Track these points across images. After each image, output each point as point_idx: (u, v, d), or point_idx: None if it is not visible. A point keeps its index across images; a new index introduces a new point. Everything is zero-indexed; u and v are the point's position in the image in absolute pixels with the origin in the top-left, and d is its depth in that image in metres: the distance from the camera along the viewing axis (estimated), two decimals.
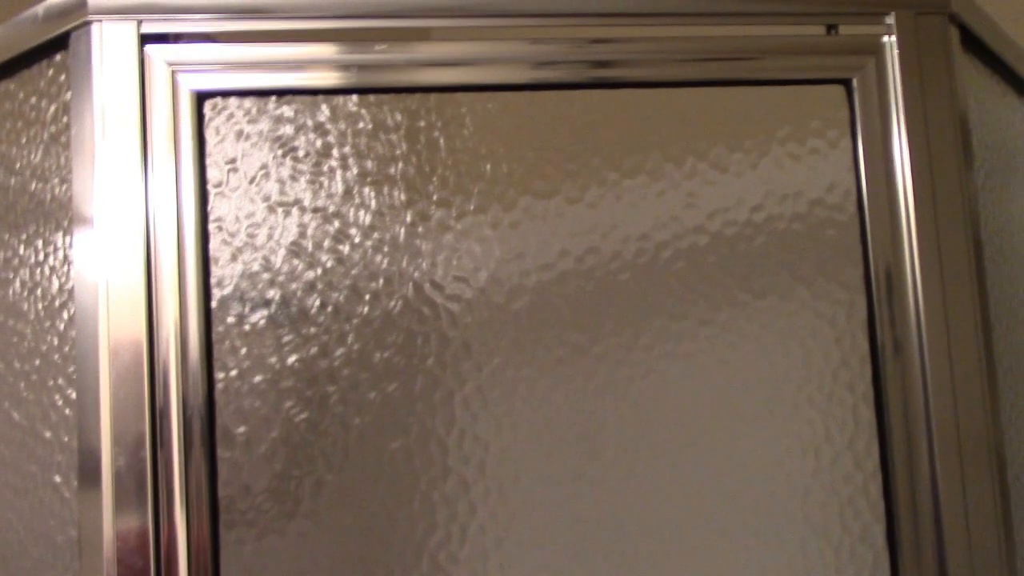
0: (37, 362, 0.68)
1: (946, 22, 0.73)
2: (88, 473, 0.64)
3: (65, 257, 0.68)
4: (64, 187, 0.68)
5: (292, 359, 0.66)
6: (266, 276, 0.66)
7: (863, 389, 0.69)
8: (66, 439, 0.66)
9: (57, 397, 0.67)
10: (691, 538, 0.67)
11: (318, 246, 0.67)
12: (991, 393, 0.70)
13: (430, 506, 0.65)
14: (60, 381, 0.67)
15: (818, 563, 0.67)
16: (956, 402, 0.69)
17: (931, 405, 0.68)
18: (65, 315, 0.68)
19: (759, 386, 0.68)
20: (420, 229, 0.67)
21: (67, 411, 0.67)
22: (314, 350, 0.66)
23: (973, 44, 0.78)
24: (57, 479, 0.67)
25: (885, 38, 0.72)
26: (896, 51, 0.72)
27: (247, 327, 0.66)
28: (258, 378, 0.66)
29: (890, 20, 0.72)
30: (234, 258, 0.66)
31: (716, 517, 0.67)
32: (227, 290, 0.66)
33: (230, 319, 0.66)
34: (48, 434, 0.67)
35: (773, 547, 0.67)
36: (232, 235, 0.66)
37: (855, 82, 0.71)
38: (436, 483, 0.65)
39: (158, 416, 0.64)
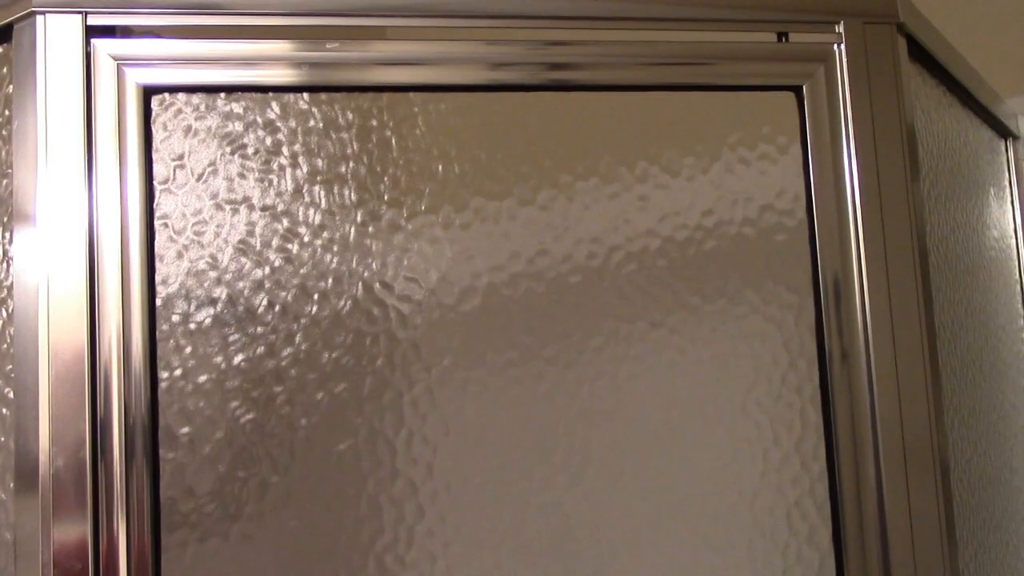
0: None
1: (894, 32, 0.75)
2: (25, 475, 0.63)
3: (4, 253, 0.66)
4: (4, 182, 0.67)
5: (238, 359, 0.65)
6: (213, 274, 0.65)
7: (811, 392, 0.69)
8: (2, 439, 0.65)
9: None
10: (639, 540, 0.67)
11: (266, 244, 0.66)
12: (935, 397, 0.71)
13: (377, 508, 0.65)
14: None
15: (765, 566, 0.67)
16: (901, 406, 0.70)
17: (877, 408, 0.69)
18: (3, 312, 0.66)
19: (708, 389, 0.68)
20: (370, 229, 0.67)
21: (3, 410, 0.65)
22: (261, 350, 0.65)
23: (920, 55, 0.80)
24: None
25: (835, 46, 0.73)
26: (845, 59, 0.73)
27: (192, 326, 0.65)
28: (203, 378, 0.64)
29: (839, 28, 0.73)
30: (180, 256, 0.65)
31: (665, 519, 0.67)
32: (172, 288, 0.65)
33: (175, 317, 0.65)
34: None
35: (721, 550, 0.67)
36: (178, 232, 0.65)
37: (805, 89, 0.72)
38: (384, 485, 0.65)
39: (99, 416, 0.63)
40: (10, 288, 0.65)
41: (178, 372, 0.64)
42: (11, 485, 0.64)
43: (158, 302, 0.65)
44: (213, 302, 0.65)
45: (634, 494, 0.67)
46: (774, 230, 0.71)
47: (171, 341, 0.64)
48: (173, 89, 0.66)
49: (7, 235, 0.66)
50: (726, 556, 0.67)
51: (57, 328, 0.63)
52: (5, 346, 0.65)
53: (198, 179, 0.66)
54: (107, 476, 0.62)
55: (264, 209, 0.66)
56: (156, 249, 0.65)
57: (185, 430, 0.64)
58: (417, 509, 0.65)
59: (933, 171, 0.80)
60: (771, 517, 0.68)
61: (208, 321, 0.65)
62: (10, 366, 0.65)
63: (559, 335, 0.67)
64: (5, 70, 0.68)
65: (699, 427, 0.68)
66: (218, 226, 0.66)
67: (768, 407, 0.69)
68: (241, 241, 0.66)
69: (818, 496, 0.69)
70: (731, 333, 0.69)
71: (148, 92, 0.66)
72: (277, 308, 0.65)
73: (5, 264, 0.66)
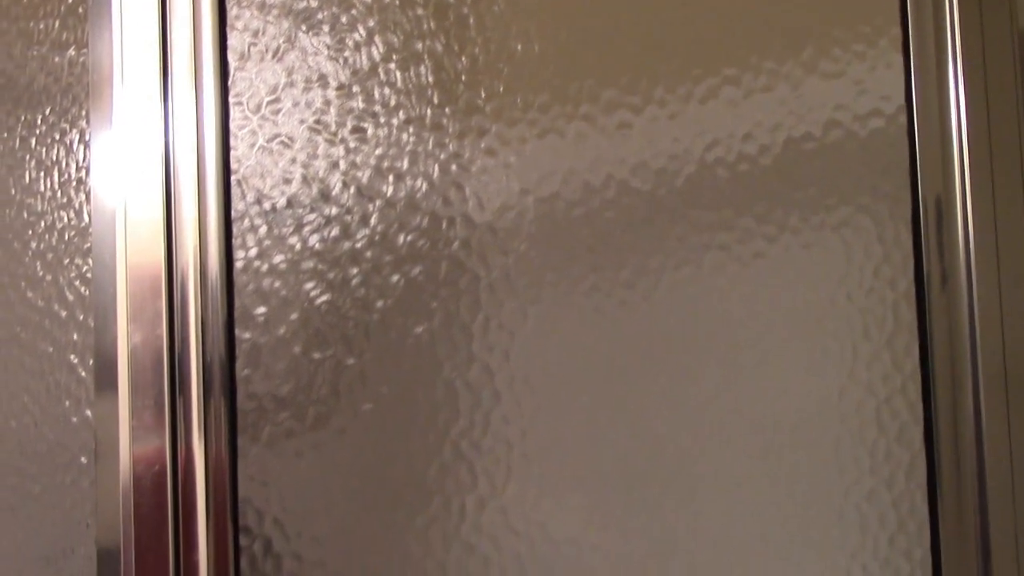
0: (53, 240, 0.67)
1: None
2: (104, 351, 0.63)
3: (82, 133, 0.66)
4: (81, 61, 0.66)
5: (313, 240, 0.64)
6: (287, 154, 0.64)
7: (904, 287, 0.66)
8: (82, 317, 0.65)
9: (73, 275, 0.65)
10: (722, 434, 0.64)
11: (341, 124, 0.64)
12: None
13: (453, 393, 0.63)
14: (76, 259, 0.65)
15: (852, 463, 0.65)
16: (1002, 305, 0.66)
17: (976, 308, 0.65)
18: (82, 193, 0.66)
19: (797, 283, 0.65)
20: (447, 110, 0.65)
21: (83, 289, 0.65)
22: (336, 231, 0.64)
23: None
24: (73, 359, 0.65)
25: None
26: None
27: (267, 206, 0.64)
28: (279, 258, 0.64)
29: None
30: (254, 134, 0.64)
31: (749, 413, 0.65)
32: (247, 166, 0.64)
33: (249, 197, 0.64)
34: (64, 313, 0.66)
35: (806, 447, 0.65)
36: (253, 111, 0.64)
37: None
38: (460, 370, 0.64)
39: (176, 293, 0.62)
40: (88, 168, 0.65)
41: (253, 252, 0.64)
42: (90, 362, 0.64)
43: (233, 180, 0.64)
44: (287, 182, 0.64)
45: (717, 386, 0.65)
46: (868, 154, 0.67)
47: (246, 221, 0.64)
48: None
49: (84, 112, 0.66)
50: (812, 454, 0.65)
51: (134, 208, 0.63)
52: (84, 224, 0.65)
53: (273, 56, 0.64)
54: (183, 353, 0.62)
55: (339, 88, 0.64)
56: (231, 127, 0.64)
57: (261, 310, 0.63)
58: (493, 395, 0.64)
59: None
60: (859, 415, 0.65)
61: (283, 201, 0.64)
62: (88, 244, 0.65)
63: (648, 226, 0.65)
64: None
65: (787, 322, 0.65)
66: (293, 104, 0.64)
67: (859, 301, 0.66)
68: (316, 120, 0.64)
69: (910, 394, 0.65)
70: (823, 224, 0.66)
71: None
72: (352, 189, 0.64)
73: (83, 144, 0.66)
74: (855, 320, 0.65)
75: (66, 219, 0.66)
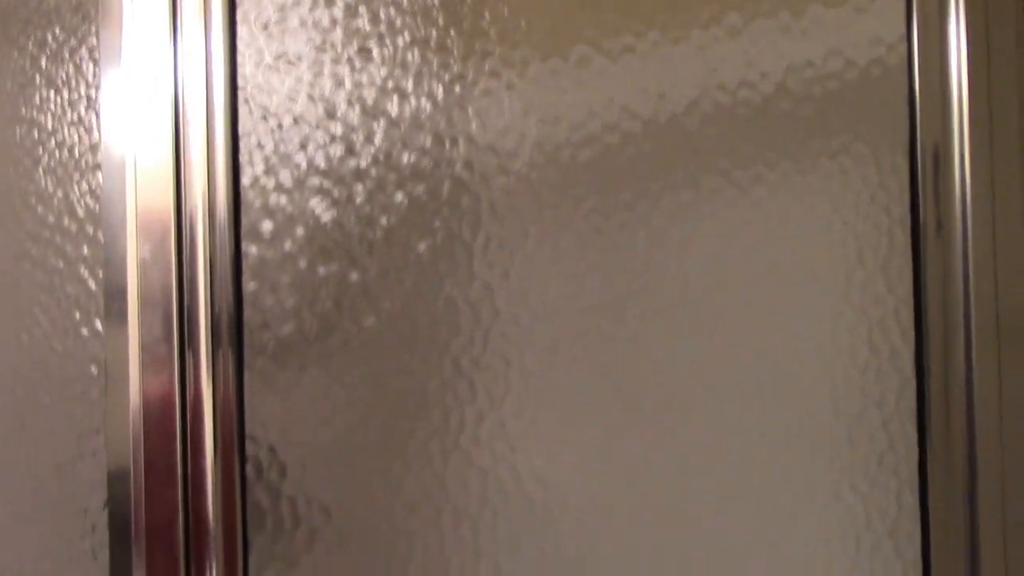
0: (63, 156, 0.68)
1: None
2: (114, 265, 0.64)
3: (91, 51, 0.67)
4: None
5: (319, 157, 0.65)
6: (294, 72, 0.65)
7: (900, 212, 0.67)
8: (92, 231, 0.66)
9: (84, 190, 0.67)
10: (719, 346, 0.66)
11: (347, 43, 0.65)
12: None
13: (454, 310, 0.65)
14: (87, 175, 0.67)
15: (843, 383, 0.66)
16: (994, 221, 0.67)
17: (969, 227, 0.66)
18: (92, 111, 0.67)
19: (795, 208, 0.67)
20: (452, 32, 0.66)
21: (94, 204, 0.66)
22: (341, 150, 0.65)
23: None
24: (83, 272, 0.67)
25: None
26: None
27: (273, 123, 0.65)
28: (285, 175, 0.65)
29: None
30: (260, 52, 0.65)
31: (744, 333, 0.66)
32: (253, 84, 0.65)
33: (256, 114, 0.65)
34: (74, 228, 0.67)
35: (799, 369, 0.66)
36: (262, 28, 0.65)
37: None
38: (461, 287, 0.65)
39: (184, 209, 0.64)
40: (98, 85, 0.66)
41: (260, 169, 0.65)
42: (101, 275, 0.66)
43: (240, 98, 0.65)
44: (293, 100, 0.65)
45: (713, 306, 0.66)
46: (868, 85, 0.67)
47: (253, 138, 0.65)
48: None
49: (93, 28, 0.67)
50: (802, 374, 0.66)
51: (143, 122, 0.64)
52: (95, 139, 0.66)
53: None
54: (191, 264, 0.64)
55: (346, 8, 0.65)
56: (238, 45, 0.65)
57: (268, 226, 0.65)
58: (492, 312, 0.65)
59: None
60: (851, 335, 0.66)
61: (289, 120, 0.65)
62: (99, 158, 0.66)
63: (648, 150, 0.66)
64: None
65: (779, 246, 0.66)
66: (300, 23, 0.65)
67: (854, 225, 0.67)
68: (322, 40, 0.65)
69: (902, 319, 0.67)
70: (818, 160, 0.67)
71: None
72: (357, 108, 0.65)
73: (92, 60, 0.67)
74: (850, 244, 0.67)
75: (76, 136, 0.67)
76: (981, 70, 0.68)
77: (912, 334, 0.67)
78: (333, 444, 0.64)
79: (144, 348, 0.63)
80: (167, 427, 0.63)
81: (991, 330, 0.67)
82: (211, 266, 0.64)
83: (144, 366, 0.63)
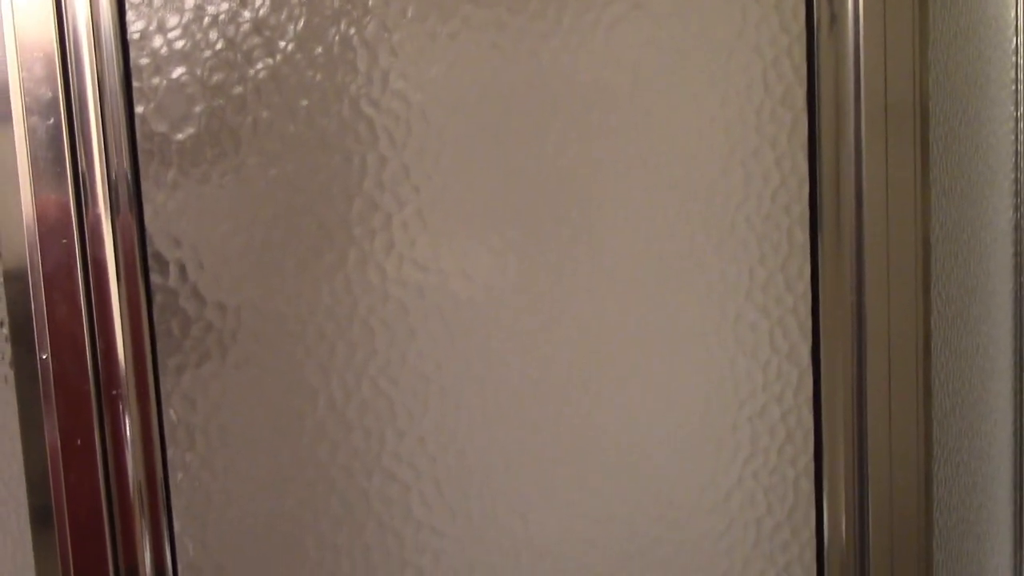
0: None
1: None
2: None
3: None
4: None
5: None
6: None
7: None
8: None
9: None
10: (633, 167, 0.67)
11: None
12: (921, 63, 0.71)
13: (367, 122, 0.64)
14: None
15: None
16: (887, 66, 0.70)
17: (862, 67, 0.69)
18: None
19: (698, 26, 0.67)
20: None
21: None
22: None
23: None
24: None
25: None
26: None
27: None
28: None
29: None
30: None
31: (656, 156, 0.68)
32: None
33: None
34: None
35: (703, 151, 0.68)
36: None
37: None
38: (364, 89, 0.64)
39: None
40: None
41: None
42: None
43: None
44: None
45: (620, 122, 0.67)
46: None
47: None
48: None
49: None
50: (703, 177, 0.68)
51: None
52: None
53: None
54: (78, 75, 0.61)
55: None
56: None
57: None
58: (405, 125, 0.65)
59: None
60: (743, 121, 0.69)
61: None
62: None
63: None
64: None
65: (679, 76, 0.67)
66: None
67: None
68: None
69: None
70: None
71: None
72: None
73: None
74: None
75: None
76: None
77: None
78: (238, 255, 0.64)
79: (34, 160, 0.61)
80: (64, 236, 0.62)
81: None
82: (98, 70, 0.62)
83: (34, 175, 0.61)
